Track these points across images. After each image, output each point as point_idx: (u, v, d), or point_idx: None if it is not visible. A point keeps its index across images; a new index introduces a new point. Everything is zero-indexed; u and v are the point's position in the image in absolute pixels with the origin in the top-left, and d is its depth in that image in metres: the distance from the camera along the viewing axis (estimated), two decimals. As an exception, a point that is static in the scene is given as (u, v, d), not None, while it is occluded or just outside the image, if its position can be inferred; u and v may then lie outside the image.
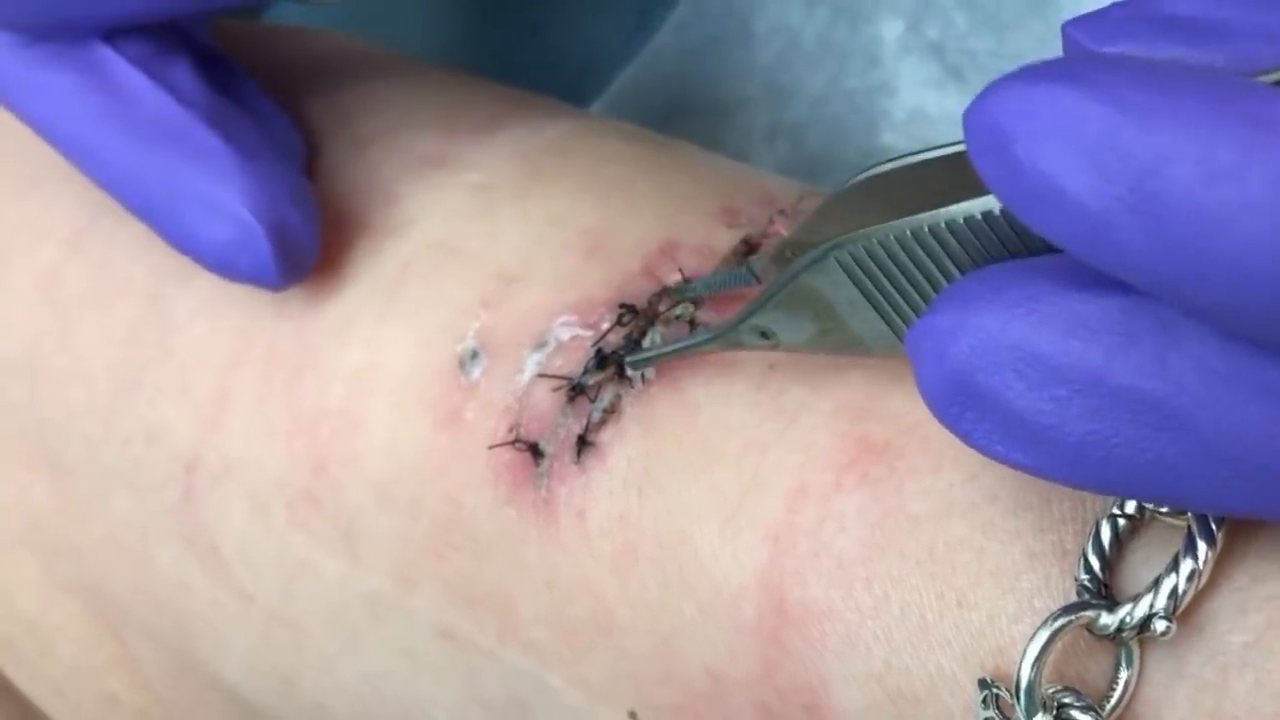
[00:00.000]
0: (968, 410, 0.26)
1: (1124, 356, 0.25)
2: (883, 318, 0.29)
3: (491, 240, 0.36)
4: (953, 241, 0.27)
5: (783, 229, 0.35)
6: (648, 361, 0.33)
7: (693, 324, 0.33)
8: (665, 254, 0.34)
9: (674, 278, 0.34)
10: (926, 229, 0.27)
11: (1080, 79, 0.23)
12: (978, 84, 0.44)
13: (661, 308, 0.34)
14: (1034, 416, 0.25)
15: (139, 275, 0.38)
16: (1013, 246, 0.27)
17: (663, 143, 0.39)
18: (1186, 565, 0.27)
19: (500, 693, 0.34)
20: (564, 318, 0.34)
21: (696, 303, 0.34)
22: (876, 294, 0.29)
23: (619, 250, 0.35)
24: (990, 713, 0.28)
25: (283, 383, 0.36)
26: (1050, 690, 0.28)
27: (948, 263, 0.28)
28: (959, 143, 0.28)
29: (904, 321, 0.29)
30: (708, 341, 0.31)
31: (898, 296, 0.29)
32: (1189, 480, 0.25)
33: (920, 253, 0.28)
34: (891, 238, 0.28)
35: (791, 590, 0.30)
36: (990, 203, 0.27)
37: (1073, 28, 0.25)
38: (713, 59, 0.47)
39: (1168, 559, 0.28)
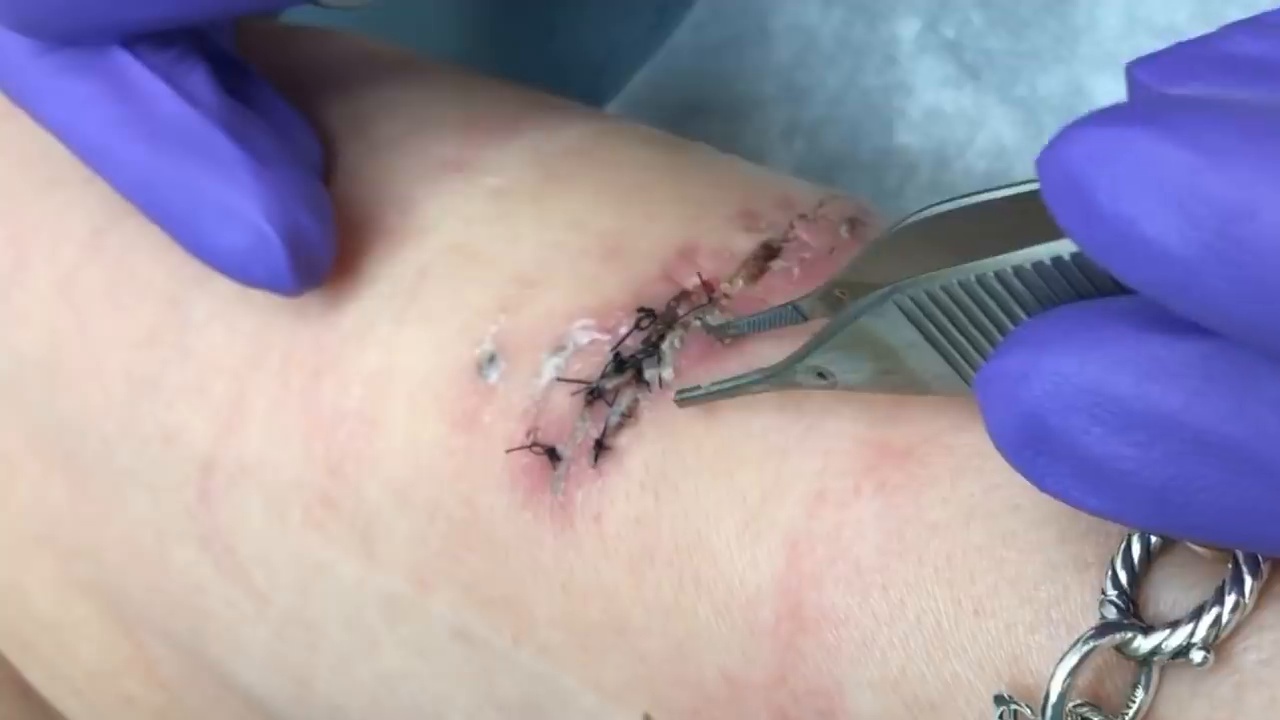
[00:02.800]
0: (1040, 455, 0.26)
1: (1205, 400, 0.24)
2: (945, 359, 0.29)
3: (510, 244, 0.36)
4: (1019, 285, 0.27)
5: (803, 234, 0.35)
6: (697, 399, 0.32)
7: (718, 337, 0.33)
8: (684, 258, 0.34)
9: (693, 281, 0.34)
10: (992, 274, 0.27)
11: (1160, 122, 0.23)
12: (994, 83, 0.44)
13: (681, 313, 0.34)
14: (1113, 461, 0.25)
15: (158, 277, 0.38)
16: (1081, 290, 0.26)
17: (681, 145, 0.39)
18: (1231, 599, 0.27)
19: (515, 695, 0.35)
20: (582, 322, 0.34)
21: (715, 306, 0.33)
22: (939, 337, 0.28)
23: (637, 254, 0.35)
24: None
25: (300, 385, 0.36)
26: (1071, 704, 0.28)
27: (1014, 306, 0.27)
28: (1014, 184, 0.28)
29: (968, 363, 0.29)
30: (761, 381, 0.31)
31: (962, 339, 0.28)
32: (1270, 525, 0.25)
33: (985, 297, 0.27)
34: (955, 282, 0.27)
35: (808, 595, 0.30)
36: (1058, 248, 0.26)
37: (1138, 69, 0.25)
38: (730, 58, 0.47)
39: (1194, 579, 0.28)
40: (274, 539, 0.37)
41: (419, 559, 0.35)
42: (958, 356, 0.28)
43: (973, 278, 0.27)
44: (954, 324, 0.28)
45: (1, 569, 0.41)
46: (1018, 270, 0.27)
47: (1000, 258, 0.27)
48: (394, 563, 0.35)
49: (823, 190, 0.37)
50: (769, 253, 0.34)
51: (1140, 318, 0.25)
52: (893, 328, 0.29)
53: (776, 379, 0.31)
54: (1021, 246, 0.27)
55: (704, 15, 0.48)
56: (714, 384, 0.32)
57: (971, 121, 0.45)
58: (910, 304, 0.28)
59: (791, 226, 0.35)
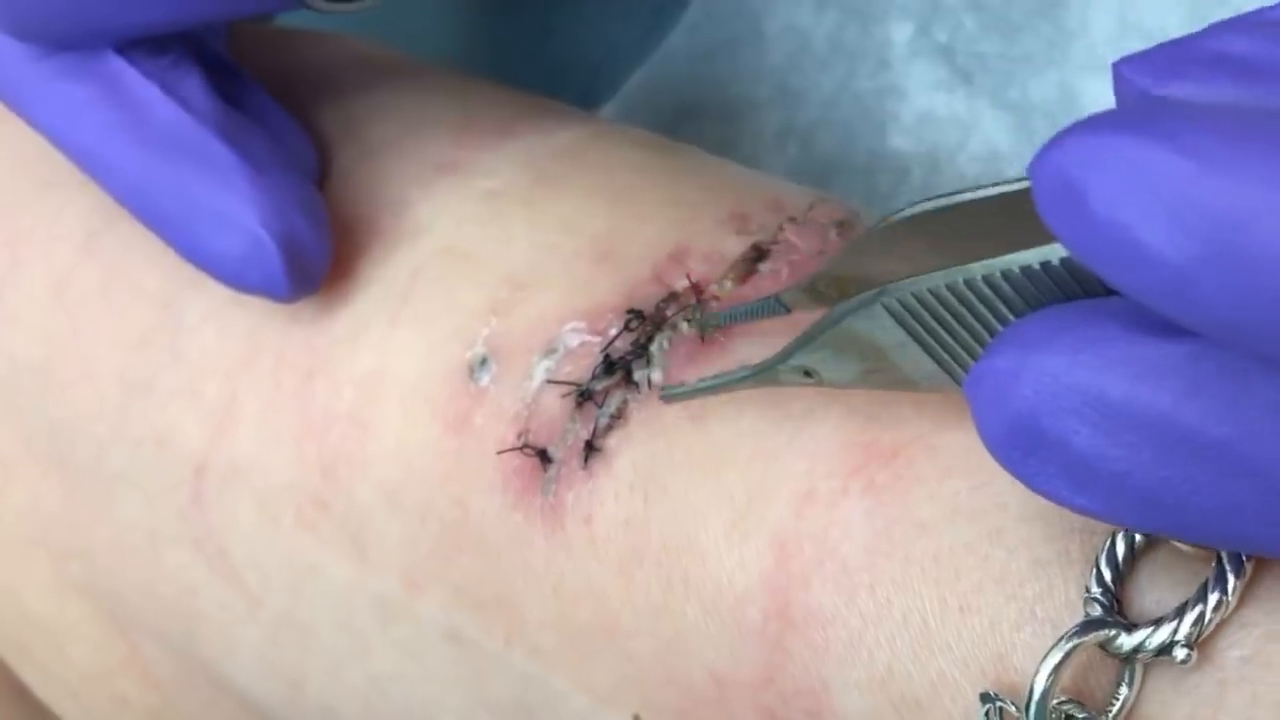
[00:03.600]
0: (1031, 455, 0.26)
1: (1194, 401, 0.24)
2: (934, 359, 0.29)
3: (502, 246, 0.36)
4: (1008, 289, 0.27)
5: (793, 236, 0.35)
6: (682, 396, 0.32)
7: (703, 331, 0.33)
8: (674, 260, 0.35)
9: (682, 284, 0.34)
10: (980, 278, 0.27)
11: (1154, 129, 0.23)
12: (987, 86, 0.44)
13: (670, 314, 0.34)
14: (1102, 462, 0.25)
15: (152, 280, 0.38)
16: (1070, 293, 0.27)
17: (673, 149, 0.39)
18: (1214, 597, 0.27)
19: (506, 696, 0.35)
20: (573, 324, 0.34)
21: (705, 309, 0.34)
22: (928, 338, 0.28)
23: (628, 257, 0.35)
24: None
25: (293, 387, 0.36)
26: (1055, 701, 0.28)
27: (1002, 308, 0.27)
28: (1001, 184, 0.28)
29: (957, 362, 0.29)
30: (747, 379, 0.31)
31: (950, 340, 0.28)
32: (1260, 525, 0.25)
33: (974, 300, 0.27)
34: (944, 285, 0.27)
35: (796, 595, 0.31)
36: (1047, 253, 0.26)
37: (1126, 67, 0.25)
38: (724, 61, 0.47)
39: (1180, 578, 0.28)
40: (266, 541, 0.37)
41: (410, 561, 0.35)
42: (947, 357, 0.29)
43: (961, 281, 0.27)
44: (943, 326, 0.28)
45: None
46: (1006, 274, 0.27)
47: (989, 261, 0.27)
48: (385, 565, 0.35)
49: (813, 193, 0.37)
50: (758, 254, 0.34)
51: (1129, 318, 0.25)
52: (881, 328, 0.29)
53: (761, 377, 0.31)
54: (1008, 247, 0.27)
55: (698, 18, 0.48)
56: (700, 382, 0.32)
57: (964, 125, 0.45)
58: (898, 306, 0.28)
59: (781, 229, 0.35)
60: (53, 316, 0.39)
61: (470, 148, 0.38)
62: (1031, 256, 0.26)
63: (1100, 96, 0.44)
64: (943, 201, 0.29)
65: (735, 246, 0.35)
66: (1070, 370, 0.25)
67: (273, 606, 0.37)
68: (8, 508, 0.41)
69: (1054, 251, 0.26)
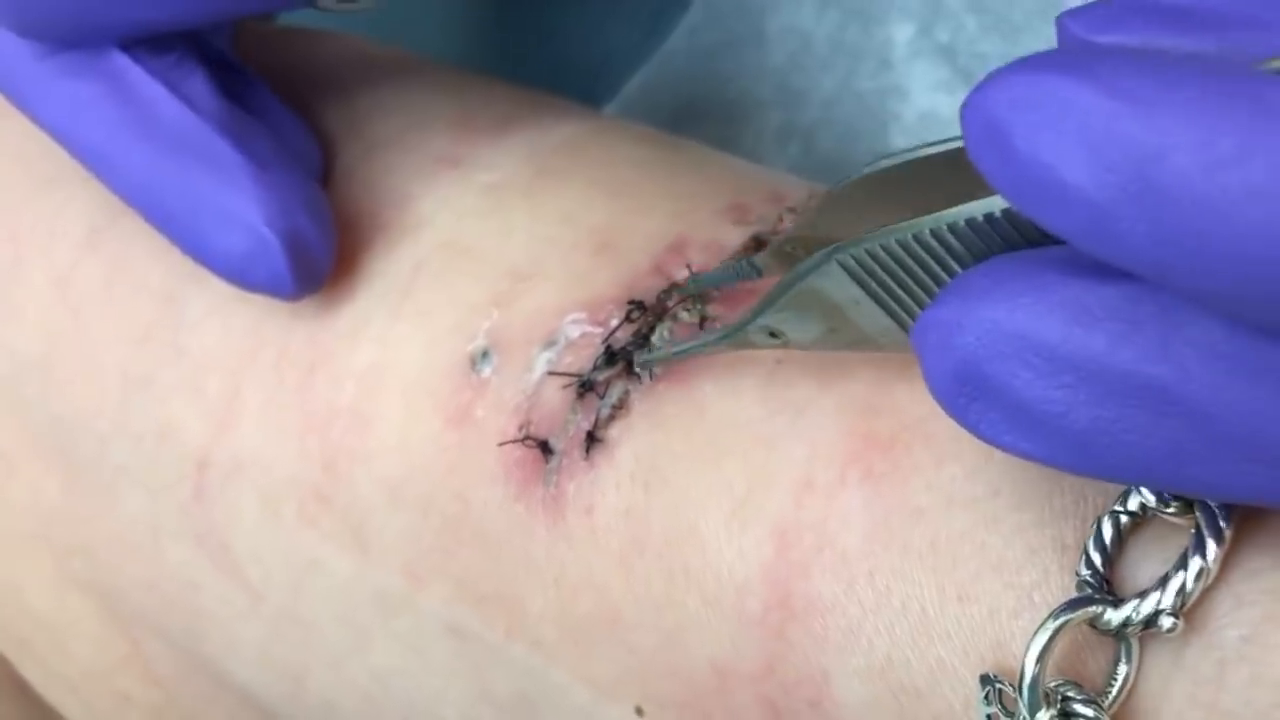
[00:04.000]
0: (975, 401, 0.26)
1: (1128, 343, 0.25)
2: (889, 315, 0.29)
3: (503, 239, 0.36)
4: (954, 242, 0.27)
5: (792, 226, 0.35)
6: (657, 361, 0.33)
7: (702, 321, 0.34)
8: (675, 251, 0.35)
9: (683, 274, 0.34)
10: (928, 231, 0.27)
11: (1078, 69, 0.23)
12: (988, 86, 0.44)
13: (670, 304, 0.34)
14: (1041, 405, 0.25)
15: (154, 275, 0.38)
16: (1013, 244, 0.27)
17: (673, 143, 0.39)
18: (1195, 563, 0.27)
19: (508, 690, 0.35)
20: (574, 315, 0.34)
21: (705, 299, 0.34)
22: (882, 293, 0.29)
23: (628, 248, 0.35)
24: (992, 708, 0.28)
25: (295, 381, 0.36)
26: (1052, 684, 0.28)
27: (950, 261, 0.28)
28: (958, 138, 0.28)
29: (910, 317, 0.29)
30: (717, 341, 0.32)
31: (903, 294, 0.29)
32: (1195, 465, 0.25)
33: (923, 254, 0.28)
34: (894, 240, 0.28)
35: (796, 584, 0.31)
36: (991, 205, 0.27)
37: (1068, 18, 0.25)
38: (725, 61, 0.47)
39: (1168, 556, 0.28)
40: (268, 535, 0.37)
41: (412, 555, 0.35)
42: (900, 311, 0.29)
43: (910, 236, 0.28)
44: (894, 280, 0.29)
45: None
46: (952, 227, 0.27)
47: (935, 215, 0.27)
48: (387, 558, 0.35)
49: (812, 185, 0.37)
50: (758, 245, 0.34)
51: (1068, 265, 0.25)
52: (837, 286, 0.29)
53: (731, 339, 0.31)
54: (958, 201, 0.27)
55: (699, 19, 0.48)
56: (676, 344, 0.33)
57: (965, 124, 0.45)
58: (852, 262, 0.29)
59: (781, 219, 0.35)
60: (55, 312, 0.39)
61: (471, 143, 0.38)
62: (976, 209, 0.27)
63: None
64: (901, 158, 0.30)
65: (735, 237, 0.35)
66: (1009, 316, 0.25)
67: (274, 601, 0.37)
68: (9, 504, 0.41)
69: (996, 204, 0.27)
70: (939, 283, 0.28)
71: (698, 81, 0.48)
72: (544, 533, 0.33)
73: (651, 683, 0.33)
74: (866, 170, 0.30)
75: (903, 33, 0.46)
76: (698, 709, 0.32)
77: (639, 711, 0.33)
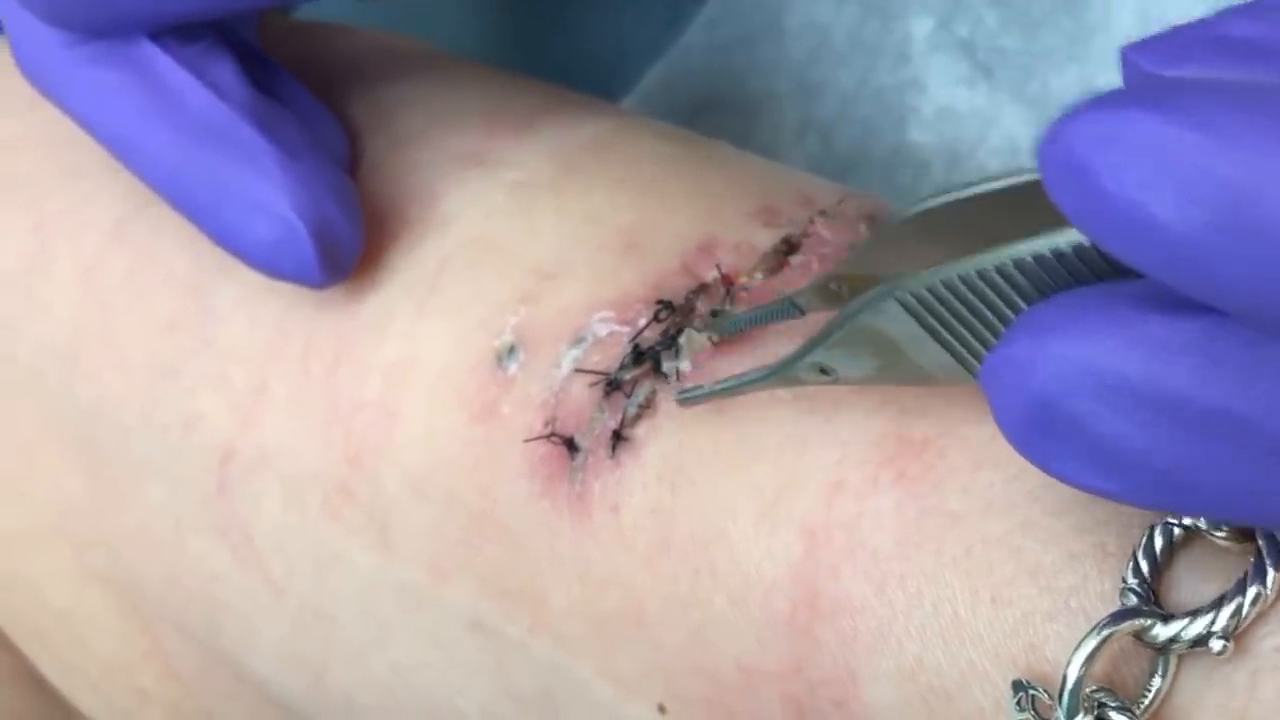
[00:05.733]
0: (1048, 439, 0.25)
1: (1210, 378, 0.24)
2: (948, 351, 0.29)
3: (530, 237, 0.36)
4: (1019, 278, 0.27)
5: (823, 230, 0.35)
6: (700, 399, 0.32)
7: (717, 336, 0.33)
8: (703, 251, 0.35)
9: (712, 274, 0.34)
10: (992, 268, 0.27)
11: (1164, 103, 0.23)
12: (1007, 81, 0.44)
13: (699, 305, 0.34)
14: (1120, 442, 0.25)
15: (181, 266, 0.38)
16: (1081, 280, 0.26)
17: (700, 142, 0.39)
18: (1253, 590, 0.27)
19: (530, 685, 0.35)
20: (601, 314, 0.34)
21: (734, 299, 0.34)
22: (941, 330, 0.28)
23: (656, 247, 0.35)
24: (1025, 715, 0.28)
25: (321, 375, 0.36)
26: (1088, 690, 0.28)
27: (1015, 297, 0.27)
28: (1011, 175, 0.28)
29: (971, 353, 0.28)
30: (763, 379, 0.31)
31: (964, 331, 0.28)
32: (1277, 501, 0.25)
33: (986, 290, 0.27)
34: (956, 276, 0.27)
35: (825, 584, 0.31)
36: (1057, 240, 0.26)
37: (1133, 52, 0.25)
38: (743, 56, 0.47)
39: (1216, 571, 0.28)
40: (291, 528, 0.37)
41: (436, 549, 0.35)
42: (960, 348, 0.28)
43: (973, 272, 0.27)
44: (955, 317, 0.28)
45: (18, 560, 0.42)
46: (1018, 262, 0.27)
47: (999, 251, 0.27)
48: (411, 553, 0.35)
49: (841, 188, 0.37)
50: (789, 248, 0.34)
51: (1142, 299, 0.25)
52: (893, 322, 0.29)
53: (778, 376, 0.31)
54: (1021, 238, 0.27)
55: (717, 13, 0.48)
56: (717, 384, 0.32)
57: (984, 120, 0.45)
58: (911, 300, 0.28)
59: (811, 222, 0.35)
60: (82, 303, 0.39)
61: (496, 139, 0.38)
62: (1042, 244, 0.26)
63: (1120, 92, 0.44)
64: (952, 196, 0.29)
65: (765, 239, 0.35)
66: (1085, 353, 0.25)
67: (297, 595, 0.37)
68: (30, 498, 0.41)
69: (1064, 238, 0.26)
70: (1003, 320, 0.27)
71: (715, 76, 0.48)
72: (569, 530, 0.33)
73: (675, 680, 0.33)
74: (913, 209, 0.30)
75: (922, 27, 0.45)
76: (722, 707, 0.32)
77: (662, 709, 0.33)
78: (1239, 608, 0.27)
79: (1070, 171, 0.23)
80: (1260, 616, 0.27)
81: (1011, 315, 0.27)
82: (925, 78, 0.45)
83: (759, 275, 0.34)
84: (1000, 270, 0.27)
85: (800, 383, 0.31)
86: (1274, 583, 0.27)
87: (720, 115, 0.48)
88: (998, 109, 0.45)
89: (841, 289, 0.31)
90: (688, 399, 0.33)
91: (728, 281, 0.34)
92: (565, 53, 0.50)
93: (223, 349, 0.37)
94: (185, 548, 0.38)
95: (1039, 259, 0.26)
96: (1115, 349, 0.25)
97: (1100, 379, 0.25)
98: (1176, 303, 0.24)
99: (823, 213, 0.35)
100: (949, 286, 0.28)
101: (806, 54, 0.47)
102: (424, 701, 0.36)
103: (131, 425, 0.38)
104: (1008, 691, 0.29)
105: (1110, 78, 0.44)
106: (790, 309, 0.32)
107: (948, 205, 0.29)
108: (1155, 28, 0.43)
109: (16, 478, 0.41)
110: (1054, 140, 0.23)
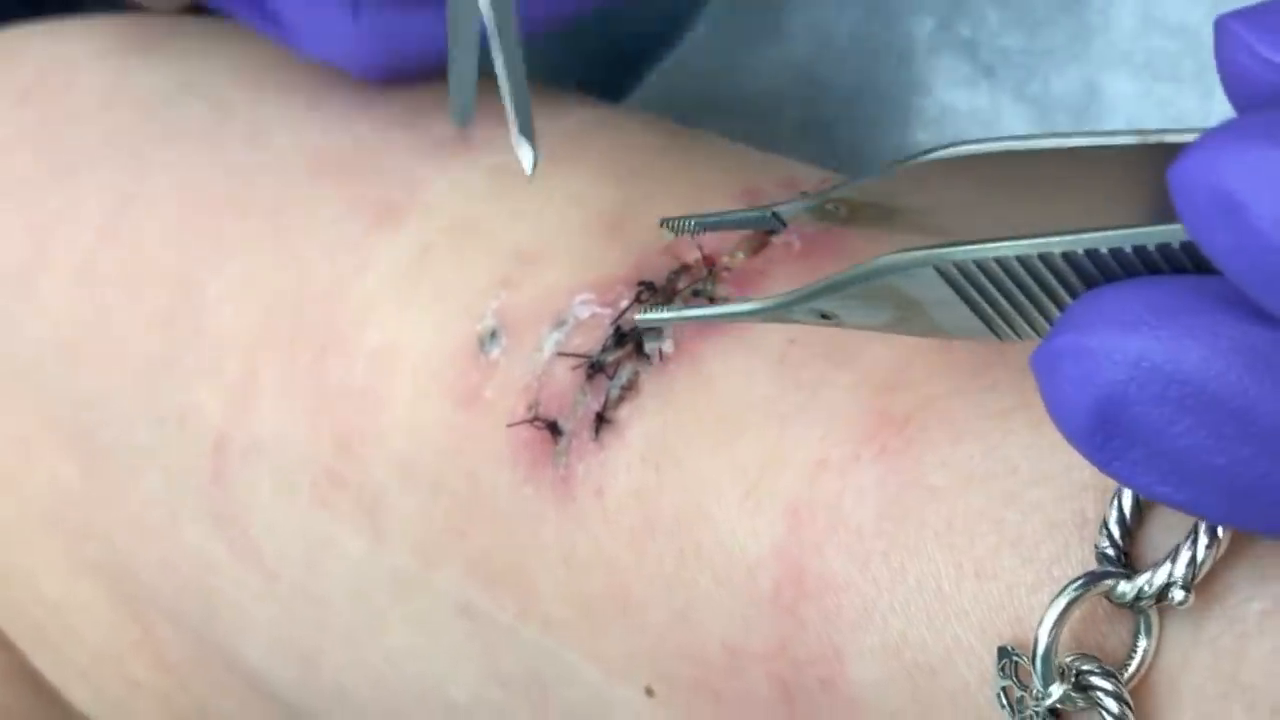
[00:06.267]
0: (1114, 440, 0.24)
1: None
2: (980, 318, 0.28)
3: (511, 221, 0.36)
4: (1090, 266, 0.25)
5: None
6: (667, 322, 0.32)
7: (711, 301, 0.33)
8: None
9: (694, 256, 0.34)
10: (1059, 254, 0.25)
11: None
12: (1009, 81, 0.44)
13: (681, 285, 0.34)
14: (1199, 455, 0.24)
15: (170, 260, 0.39)
16: (1155, 270, 0.25)
17: (683, 131, 0.39)
18: (1204, 535, 0.27)
19: (519, 670, 0.35)
20: (583, 296, 0.34)
21: (716, 278, 0.33)
22: (980, 300, 0.27)
23: (638, 229, 0.35)
24: (1008, 681, 0.28)
25: (308, 363, 0.36)
26: (1069, 658, 0.28)
27: (1075, 281, 0.26)
28: (1045, 136, 0.27)
29: (1008, 324, 0.27)
30: (754, 313, 0.30)
31: (1006, 305, 0.27)
32: None
33: (1046, 273, 0.26)
34: (1014, 257, 0.26)
35: (809, 562, 0.30)
36: (1141, 237, 0.25)
37: (1235, 22, 0.24)
38: (745, 55, 0.47)
39: (1188, 529, 0.28)
40: (283, 516, 0.37)
41: (423, 535, 0.35)
42: (995, 316, 0.27)
43: (1035, 255, 0.26)
44: (1002, 293, 0.27)
45: (12, 552, 0.42)
46: (1091, 253, 0.25)
47: (1071, 238, 0.25)
48: (399, 539, 0.35)
49: (826, 173, 0.37)
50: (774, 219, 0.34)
51: (1231, 303, 0.24)
52: (924, 286, 0.27)
53: (771, 314, 0.30)
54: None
55: (720, 12, 0.48)
56: (706, 311, 0.31)
57: (986, 119, 0.45)
58: (955, 271, 0.27)
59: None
60: (78, 301, 0.39)
61: (479, 125, 0.38)
62: (1120, 239, 0.25)
63: (1122, 91, 0.44)
64: (985, 147, 0.28)
65: (748, 218, 0.34)
66: (1174, 357, 0.24)
67: (289, 582, 0.37)
68: (24, 491, 0.41)
69: (1150, 237, 0.25)
70: (1056, 301, 0.26)
71: (718, 75, 0.48)
72: (554, 513, 0.33)
73: (662, 662, 0.33)
74: (939, 153, 0.28)
75: (924, 27, 0.45)
76: (708, 689, 0.32)
77: (649, 691, 0.33)
78: (1194, 556, 0.27)
79: (1214, 205, 0.22)
80: (1229, 570, 0.27)
81: (1068, 298, 0.26)
82: (927, 78, 0.45)
83: (741, 255, 0.34)
84: (1069, 258, 0.25)
85: (793, 322, 0.29)
86: (1226, 529, 0.27)
87: (722, 115, 0.48)
88: (999, 109, 0.45)
89: (839, 210, 0.31)
90: (646, 320, 0.32)
91: (709, 262, 0.34)
92: (568, 52, 0.50)
93: (213, 340, 0.38)
94: (180, 537, 0.38)
95: (1116, 253, 0.25)
96: (1209, 356, 0.24)
97: (1188, 387, 0.24)
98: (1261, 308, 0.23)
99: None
100: (1003, 265, 0.26)
101: (809, 54, 0.47)
102: (414, 687, 0.36)
103: (130, 416, 0.39)
104: (993, 663, 0.28)
105: (1111, 78, 0.44)
106: (770, 220, 0.32)
107: (977, 156, 0.28)
108: (1156, 28, 0.43)
109: (12, 470, 0.41)
110: (1193, 169, 0.22)
